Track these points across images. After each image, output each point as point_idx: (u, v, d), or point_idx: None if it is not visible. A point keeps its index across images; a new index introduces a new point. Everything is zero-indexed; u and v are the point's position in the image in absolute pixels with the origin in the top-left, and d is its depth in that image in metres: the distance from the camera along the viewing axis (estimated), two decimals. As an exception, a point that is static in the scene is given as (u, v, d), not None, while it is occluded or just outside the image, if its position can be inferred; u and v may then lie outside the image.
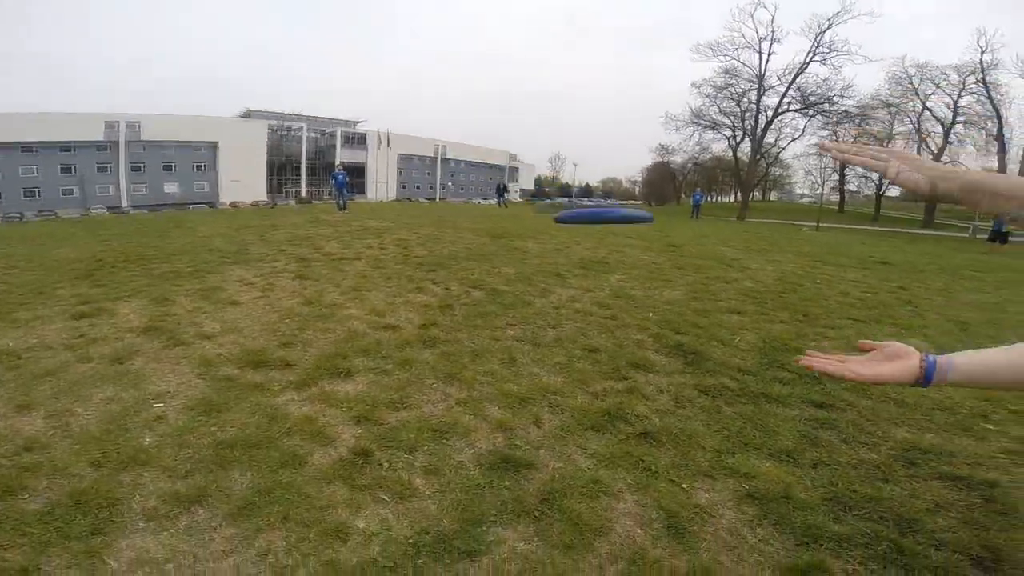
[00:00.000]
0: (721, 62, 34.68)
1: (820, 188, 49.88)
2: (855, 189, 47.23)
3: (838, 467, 1.37)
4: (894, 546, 1.06)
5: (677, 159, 47.76)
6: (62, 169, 46.41)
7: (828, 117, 34.57)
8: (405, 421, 1.54)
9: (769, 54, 33.25)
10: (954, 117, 36.55)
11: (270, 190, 58.70)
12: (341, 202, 15.74)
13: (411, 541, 1.02)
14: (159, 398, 1.63)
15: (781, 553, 1.06)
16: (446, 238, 6.94)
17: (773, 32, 32.75)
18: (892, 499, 1.25)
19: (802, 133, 36.32)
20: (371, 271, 4.15)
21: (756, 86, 33.87)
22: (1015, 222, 0.61)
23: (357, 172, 66.79)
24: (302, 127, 64.27)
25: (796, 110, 34.10)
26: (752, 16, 32.33)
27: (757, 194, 48.88)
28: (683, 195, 62.21)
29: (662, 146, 48.50)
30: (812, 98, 33.12)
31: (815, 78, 32.41)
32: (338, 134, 66.31)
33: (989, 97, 34.73)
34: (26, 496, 1.09)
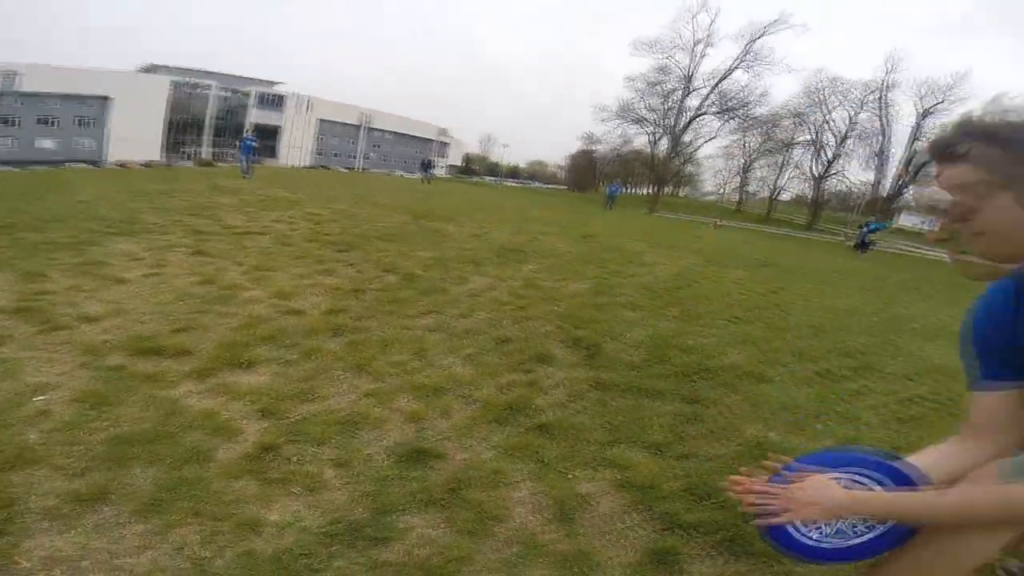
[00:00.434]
0: (657, 60, 36.19)
1: (723, 190, 53.75)
2: (754, 191, 52.08)
3: (698, 460, 1.62)
4: (734, 533, 1.30)
5: (601, 148, 49.30)
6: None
7: (742, 121, 37.30)
8: (312, 414, 1.58)
9: (701, 56, 35.29)
10: (849, 130, 40.98)
11: (167, 149, 53.45)
12: (245, 167, 14.84)
13: (324, 531, 1.10)
14: (40, 390, 1.52)
15: (645, 538, 1.27)
16: (362, 215, 6.76)
17: (709, 36, 34.70)
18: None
19: (716, 134, 38.94)
20: (277, 248, 3.99)
21: (683, 86, 35.77)
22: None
23: (270, 134, 62.29)
24: (211, 85, 58.49)
25: (715, 113, 36.50)
26: (694, 18, 33.99)
27: (670, 189, 52.01)
28: (601, 184, 64.45)
29: (589, 135, 49.79)
30: (731, 103, 35.59)
31: (736, 84, 34.96)
32: (253, 94, 61.17)
33: (881, 114, 39.33)
34: None
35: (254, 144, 15.14)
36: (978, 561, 0.74)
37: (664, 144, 39.50)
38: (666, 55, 36.01)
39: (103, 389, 1.57)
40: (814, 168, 42.97)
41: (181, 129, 54.02)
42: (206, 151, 57.28)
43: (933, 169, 0.79)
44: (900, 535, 0.76)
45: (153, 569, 0.93)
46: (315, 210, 6.59)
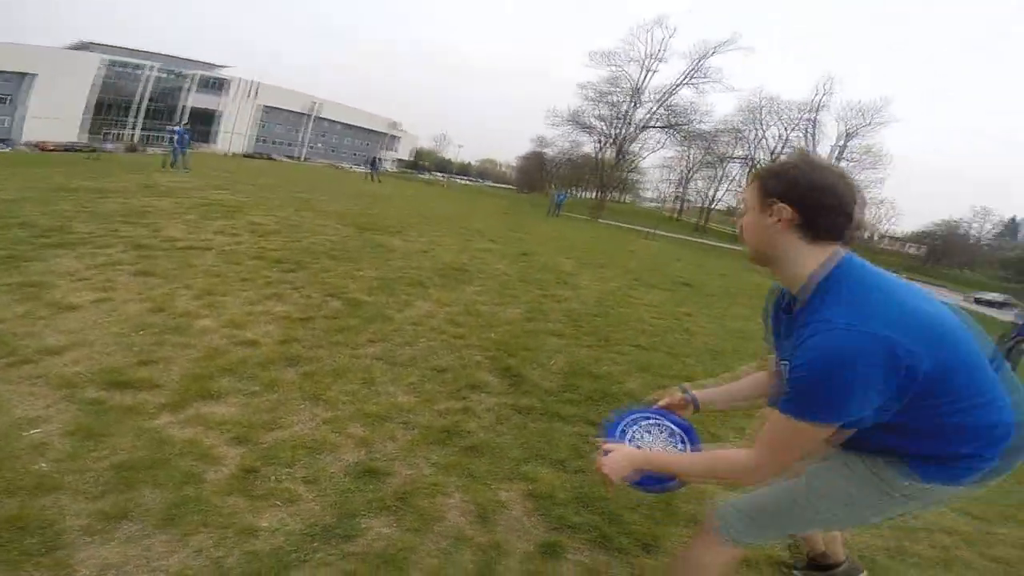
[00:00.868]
0: (610, 71, 37.70)
1: (663, 199, 56.34)
2: (692, 199, 55.31)
3: (588, 473, 2.11)
4: (602, 534, 1.79)
5: (551, 152, 50.63)
6: None
7: (685, 135, 39.55)
8: (281, 440, 1.94)
9: (653, 71, 37.10)
10: (782, 148, 44.47)
11: (92, 131, 49.50)
12: (175, 159, 14.54)
13: (305, 532, 1.50)
14: (32, 424, 1.79)
15: (541, 535, 1.74)
16: (306, 225, 6.89)
17: (662, 51, 36.57)
18: (615, 500, 1.99)
19: (662, 146, 41.05)
20: (224, 268, 4.16)
21: (632, 98, 37.49)
22: None
23: (208, 119, 59.23)
24: (151, 66, 55.16)
25: (660, 127, 38.45)
26: (648, 32, 35.72)
27: (616, 195, 54.13)
28: (550, 187, 65.81)
29: (540, 138, 51.01)
30: (676, 118, 37.63)
31: (682, 100, 37.12)
32: (194, 78, 58.12)
33: (810, 134, 42.91)
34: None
35: (187, 137, 14.77)
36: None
37: (611, 152, 41.15)
38: (619, 67, 37.59)
39: (91, 422, 1.85)
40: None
41: (110, 110, 50.58)
42: (136, 135, 53.63)
43: None
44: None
45: (183, 568, 1.29)
46: (258, 219, 6.66)
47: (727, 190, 50.60)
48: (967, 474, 1.03)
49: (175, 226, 5.53)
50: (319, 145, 74.36)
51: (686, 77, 36.48)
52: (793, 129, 42.52)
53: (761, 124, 42.73)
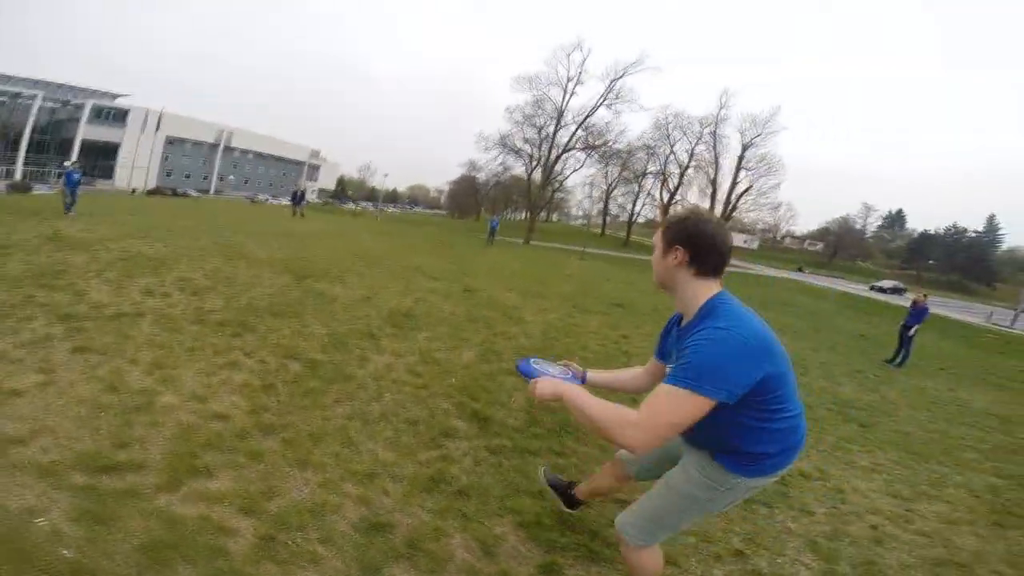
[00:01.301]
0: (534, 95, 39.49)
1: (588, 217, 59.13)
2: (615, 214, 58.51)
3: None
4: (590, 549, 2.18)
5: (482, 176, 51.80)
6: None
7: (603, 154, 41.95)
8: (284, 507, 2.14)
9: (572, 93, 39.32)
10: (689, 161, 48.24)
11: None
12: (69, 202, 13.67)
13: None
14: (33, 514, 1.88)
15: (538, 558, 2.09)
16: (240, 278, 6.76)
17: (580, 73, 38.87)
18: (589, 519, 2.44)
19: (583, 165, 43.32)
20: (166, 337, 4.10)
21: (555, 120, 39.48)
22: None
23: (107, 153, 54.55)
24: (32, 95, 50.16)
25: (580, 149, 40.65)
26: (568, 56, 37.89)
27: (544, 215, 56.10)
28: (483, 210, 67.01)
29: (471, 162, 52.12)
30: (595, 139, 39.98)
31: (601, 120, 39.68)
32: (87, 107, 53.49)
33: (714, 146, 46.90)
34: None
35: (78, 177, 13.92)
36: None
37: (538, 173, 42.85)
38: (542, 91, 39.54)
39: (94, 508, 1.95)
40: (663, 196, 50.05)
41: None
42: (19, 171, 48.12)
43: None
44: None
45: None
46: (186, 273, 6.44)
47: (644, 204, 54.30)
48: (768, 471, 1.48)
49: (97, 288, 5.25)
50: (231, 177, 70.71)
51: (602, 99, 39.10)
52: (698, 143, 46.72)
53: (669, 140, 46.64)
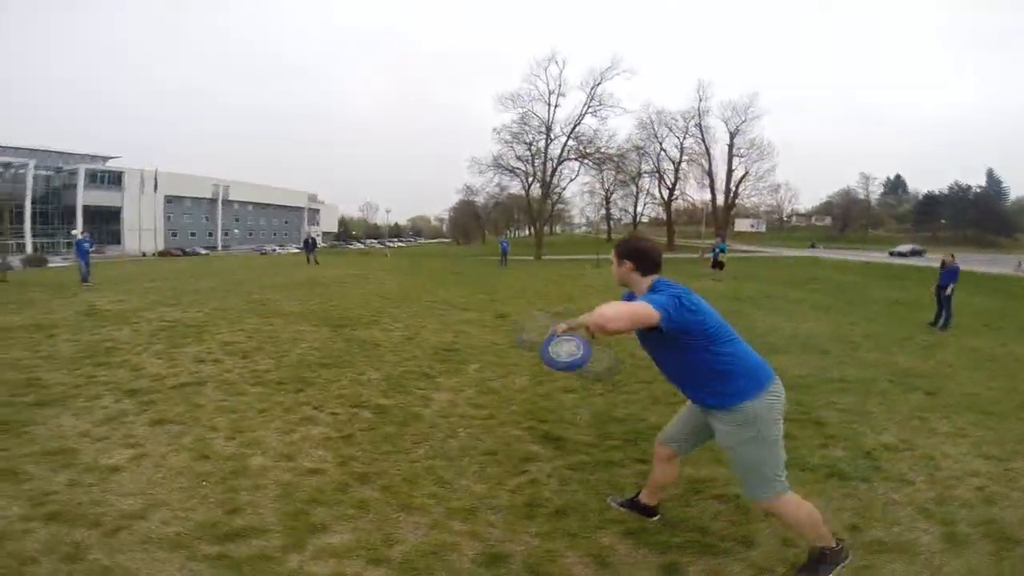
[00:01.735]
0: (519, 112, 40.14)
1: (591, 223, 59.38)
2: (618, 217, 58.78)
3: (665, 502, 2.61)
4: (703, 544, 2.31)
5: (480, 199, 52.37)
6: None
7: (596, 161, 42.31)
8: (406, 553, 2.26)
9: (556, 106, 40.03)
10: (681, 156, 48.51)
11: None
12: (85, 272, 14.09)
13: None
14: None
15: (655, 560, 2.21)
16: (281, 335, 6.90)
17: (560, 85, 39.52)
18: (692, 517, 2.56)
19: (578, 174, 43.69)
20: (233, 402, 4.24)
21: (544, 135, 39.98)
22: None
23: (110, 218, 55.43)
24: (23, 163, 50.86)
25: (574, 159, 41.05)
26: (546, 70, 38.57)
27: (548, 228, 56.50)
28: (486, 233, 67.51)
29: (467, 187, 52.85)
30: (586, 147, 40.42)
31: (589, 129, 40.15)
32: (81, 172, 54.42)
33: (703, 138, 47.18)
34: None
35: (87, 246, 14.37)
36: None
37: (536, 189, 43.27)
38: (527, 107, 40.15)
39: None
40: (662, 193, 50.31)
41: None
42: (29, 244, 48.39)
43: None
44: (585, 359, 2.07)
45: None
46: (228, 337, 6.61)
47: (646, 203, 54.55)
48: (755, 391, 1.96)
49: (150, 361, 5.43)
50: (235, 231, 71.79)
51: (585, 107, 39.66)
52: (686, 136, 47.14)
53: (657, 137, 47.12)
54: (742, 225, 58.44)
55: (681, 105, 73.85)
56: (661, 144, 47.98)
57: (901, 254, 43.34)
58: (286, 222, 77.96)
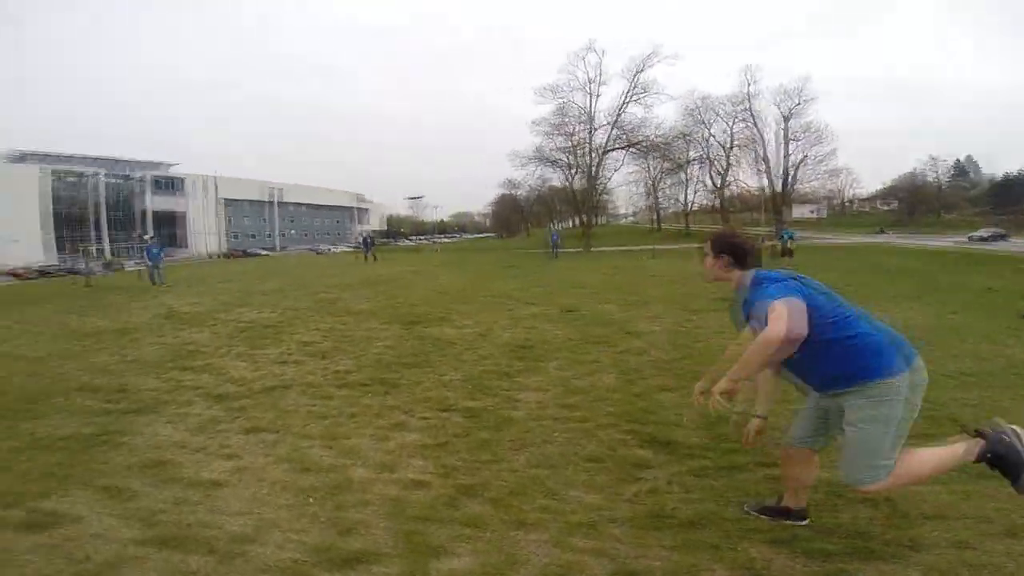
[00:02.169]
0: (558, 103, 39.51)
1: (637, 213, 58.12)
2: (664, 205, 57.17)
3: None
4: (865, 548, 2.07)
5: (522, 192, 52.12)
6: None
7: (643, 149, 41.14)
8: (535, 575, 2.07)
9: (597, 95, 39.05)
10: (731, 142, 46.51)
11: (59, 249, 47.96)
12: (156, 276, 14.94)
13: None
14: None
15: (819, 570, 1.97)
16: (356, 333, 6.91)
17: (600, 74, 38.60)
18: (845, 523, 2.30)
19: (622, 163, 42.58)
20: (322, 406, 4.16)
21: (587, 126, 39.16)
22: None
23: (175, 222, 58.67)
24: (99, 173, 54.34)
25: (621, 148, 39.96)
26: (584, 60, 37.80)
27: (595, 219, 55.65)
28: (529, 226, 67.28)
29: (509, 181, 52.74)
30: (634, 136, 39.27)
31: (633, 117, 38.94)
32: (148, 179, 57.90)
33: (754, 123, 45.03)
34: None
35: (157, 251, 15.19)
36: None
37: (579, 179, 42.54)
38: (566, 99, 39.39)
39: None
40: (713, 180, 48.36)
41: (70, 224, 48.99)
42: (107, 249, 51.64)
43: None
44: None
45: None
46: (305, 337, 6.67)
47: (696, 191, 52.61)
48: (893, 369, 1.85)
49: (233, 364, 5.49)
50: (292, 232, 74.73)
51: (628, 95, 38.42)
52: (735, 122, 44.98)
53: (705, 123, 45.21)
54: (800, 211, 55.49)
55: (726, 91, 70.56)
56: (709, 130, 46.07)
57: (982, 239, 40.00)
58: (337, 222, 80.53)
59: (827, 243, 37.73)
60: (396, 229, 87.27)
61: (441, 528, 2.46)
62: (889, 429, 1.85)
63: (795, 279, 1.96)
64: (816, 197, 57.25)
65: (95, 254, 41.03)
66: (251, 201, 68.10)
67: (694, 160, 48.45)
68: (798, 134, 43.88)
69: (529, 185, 46.65)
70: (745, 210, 57.86)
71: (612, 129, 39.50)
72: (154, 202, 57.05)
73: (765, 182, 46.78)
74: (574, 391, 4.30)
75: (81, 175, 53.32)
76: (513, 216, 68.15)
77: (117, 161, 57.66)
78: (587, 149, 40.36)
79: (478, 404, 4.08)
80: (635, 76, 38.49)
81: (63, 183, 51.06)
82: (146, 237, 17.61)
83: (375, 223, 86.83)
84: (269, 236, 70.28)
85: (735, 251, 2.08)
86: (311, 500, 2.75)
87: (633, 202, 59.31)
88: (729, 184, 48.51)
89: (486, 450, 3.29)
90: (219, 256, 51.46)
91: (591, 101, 39.07)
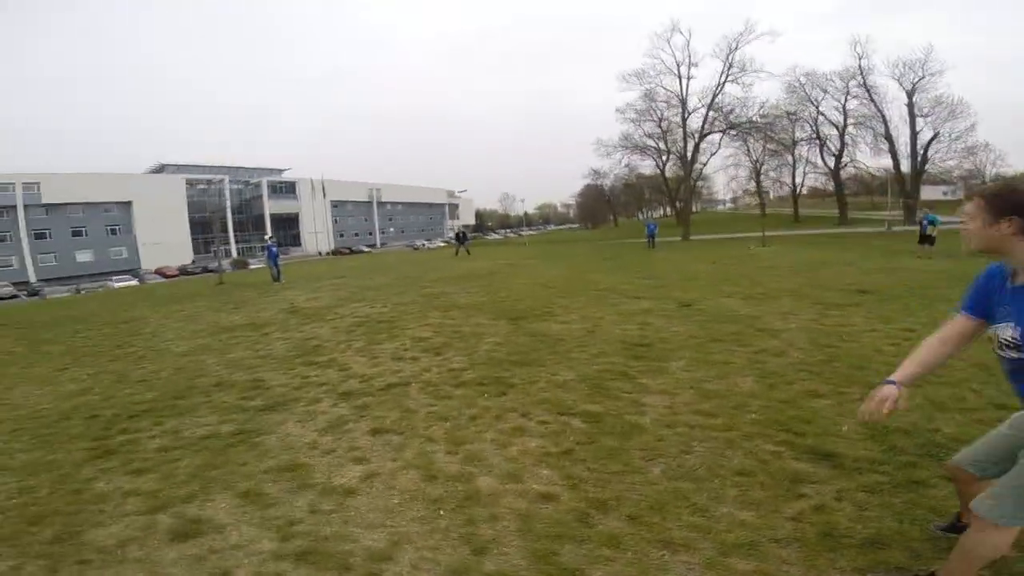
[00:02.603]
0: (645, 88, 37.85)
1: (737, 199, 54.22)
2: (766, 189, 52.66)
3: None
4: None
5: (608, 182, 50.75)
6: (-54, 241, 42.14)
7: (744, 131, 38.19)
8: None
9: (688, 78, 36.89)
10: (845, 120, 41.84)
11: (196, 250, 55.04)
12: (275, 272, 16.20)
13: None
14: None
15: None
16: (465, 329, 6.90)
17: (690, 56, 36.36)
18: None
19: (719, 147, 39.93)
20: (441, 407, 4.09)
21: (680, 110, 37.03)
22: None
23: (290, 223, 64.61)
24: (223, 180, 61.51)
25: (721, 130, 37.40)
26: (668, 42, 35.84)
27: (692, 207, 52.85)
28: (616, 216, 65.54)
29: (594, 170, 51.56)
30: (733, 118, 36.59)
31: (731, 98, 36.27)
32: (264, 184, 64.60)
33: (871, 99, 40.13)
34: None
35: (276, 250, 16.38)
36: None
37: (671, 165, 40.45)
38: (653, 83, 37.53)
39: None
40: (826, 161, 43.65)
41: (202, 228, 54.48)
42: (234, 249, 57.80)
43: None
44: None
45: None
46: (417, 332, 6.81)
47: (805, 173, 47.91)
48: None
49: (353, 359, 5.67)
50: (390, 229, 79.01)
51: (724, 75, 35.58)
52: (847, 98, 40.09)
53: (812, 101, 40.79)
54: (933, 193, 48.59)
55: (831, 66, 63.06)
56: (818, 108, 41.56)
57: None
58: (430, 218, 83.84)
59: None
60: (484, 223, 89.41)
61: (577, 548, 2.27)
62: None
63: None
64: (950, 177, 49.66)
65: (224, 254, 45.45)
66: (354, 202, 72.85)
67: (802, 140, 44.12)
68: (925, 109, 38.29)
69: (616, 174, 45.17)
70: (864, 193, 51.81)
71: (708, 111, 36.95)
72: (272, 205, 62.88)
73: (889, 162, 41.44)
74: (708, 396, 3.90)
75: (210, 182, 60.16)
76: (598, 206, 66.69)
77: (238, 168, 63.76)
78: (680, 134, 38.17)
79: (599, 408, 3.83)
80: (729, 55, 35.65)
81: (195, 190, 57.17)
82: (266, 237, 19.46)
83: (466, 217, 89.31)
84: (370, 234, 74.98)
85: None
86: (441, 512, 2.64)
87: (733, 187, 55.36)
88: (844, 165, 43.56)
89: (615, 460, 3.04)
90: (328, 254, 55.76)
91: (682, 84, 36.81)
